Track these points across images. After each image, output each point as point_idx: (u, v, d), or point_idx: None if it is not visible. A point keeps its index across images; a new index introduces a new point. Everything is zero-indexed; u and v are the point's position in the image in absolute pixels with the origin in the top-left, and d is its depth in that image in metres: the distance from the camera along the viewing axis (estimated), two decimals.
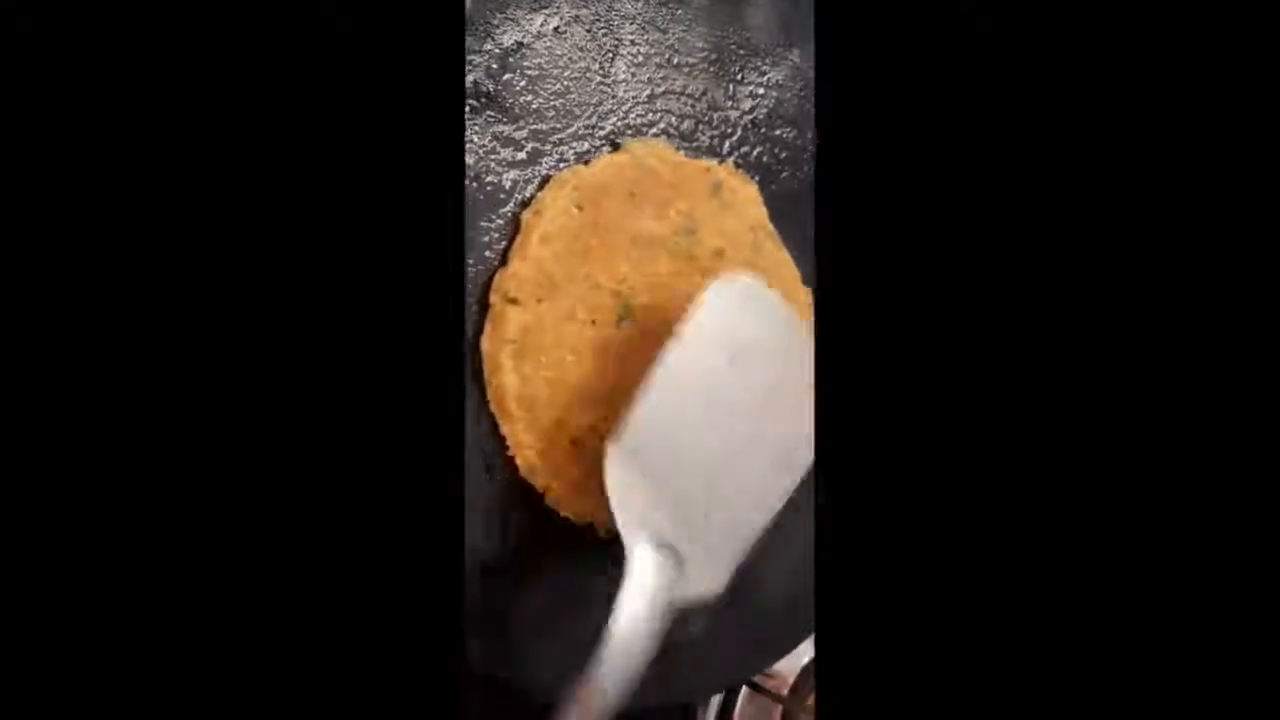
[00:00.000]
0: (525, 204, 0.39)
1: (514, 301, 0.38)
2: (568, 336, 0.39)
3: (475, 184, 0.38)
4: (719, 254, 0.42)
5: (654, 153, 0.41)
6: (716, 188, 0.42)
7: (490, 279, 0.38)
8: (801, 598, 0.46)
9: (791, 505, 0.44)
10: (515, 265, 0.38)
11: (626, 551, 0.35)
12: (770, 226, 0.44)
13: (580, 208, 0.39)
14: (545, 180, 0.39)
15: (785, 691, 0.51)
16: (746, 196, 0.43)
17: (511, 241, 0.39)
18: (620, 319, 0.40)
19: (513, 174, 0.39)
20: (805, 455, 0.38)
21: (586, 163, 0.40)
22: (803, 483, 0.42)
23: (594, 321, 0.39)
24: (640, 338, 0.40)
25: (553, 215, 0.38)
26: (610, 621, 0.33)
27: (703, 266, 0.41)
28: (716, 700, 0.51)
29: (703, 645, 0.44)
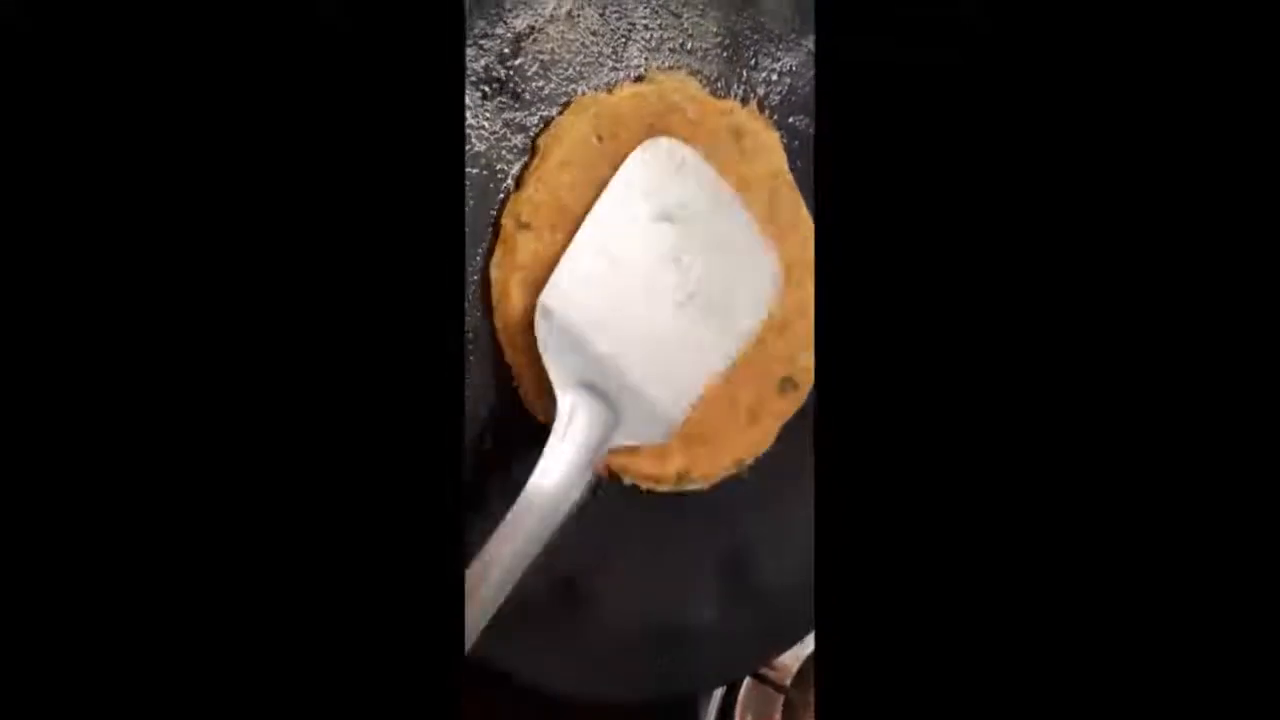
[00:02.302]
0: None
1: (526, 226, 0.37)
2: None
3: (486, 171, 0.37)
4: None
5: (678, 88, 0.40)
6: (738, 132, 0.41)
7: (503, 203, 0.38)
8: (807, 588, 0.46)
9: (795, 495, 0.44)
10: (530, 189, 0.37)
11: (558, 399, 0.35)
12: (789, 175, 0.42)
13: (600, 137, 0.38)
14: (566, 104, 0.38)
15: (788, 682, 0.50)
16: (767, 143, 0.42)
17: (527, 166, 0.38)
18: None
19: (524, 161, 0.38)
20: (751, 314, 0.39)
21: (610, 90, 0.39)
22: (806, 473, 0.42)
23: None
24: None
25: (572, 142, 0.37)
26: (539, 464, 0.34)
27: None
28: (719, 690, 0.51)
29: (709, 636, 0.44)
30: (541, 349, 0.35)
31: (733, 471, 0.43)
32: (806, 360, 0.43)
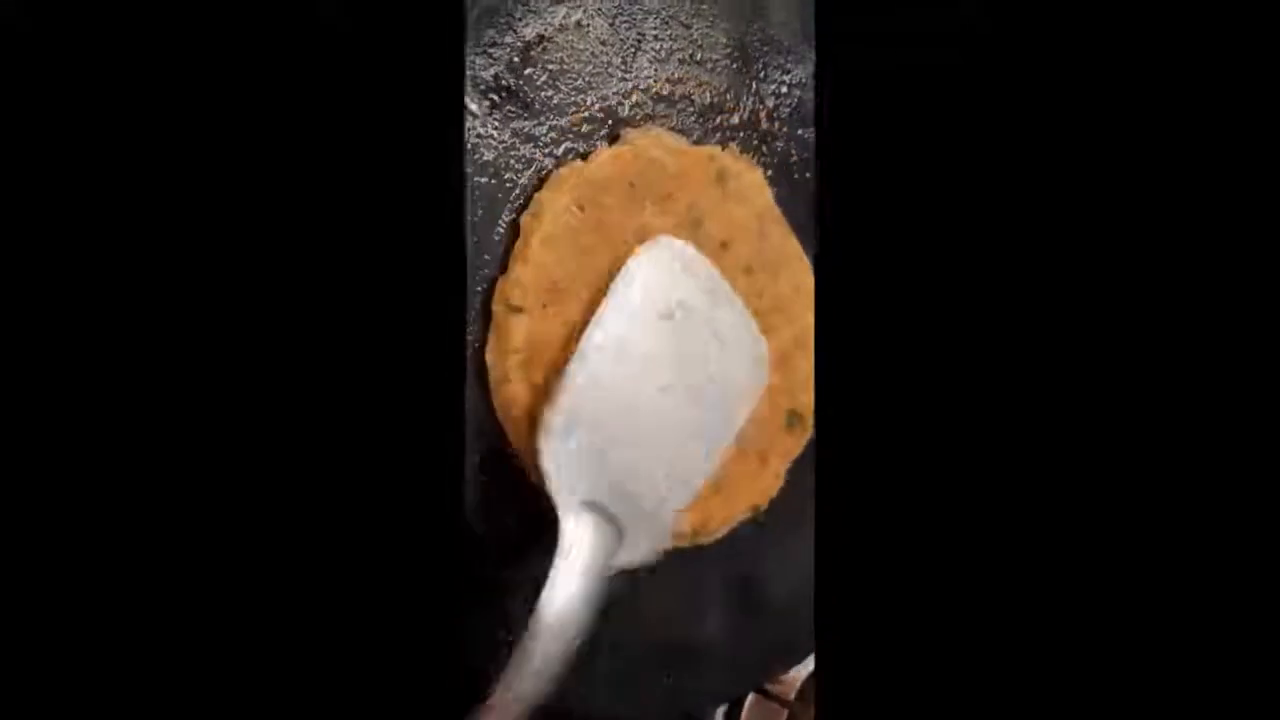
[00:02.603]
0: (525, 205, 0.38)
1: (518, 309, 0.37)
2: (574, 340, 0.38)
3: (494, 180, 0.37)
4: (725, 245, 0.40)
5: (656, 143, 0.39)
6: (721, 176, 0.40)
7: (491, 287, 0.37)
8: (811, 604, 0.46)
9: (804, 510, 0.44)
10: (517, 271, 0.37)
11: (560, 521, 0.34)
12: (777, 211, 0.42)
13: (581, 207, 0.37)
14: (543, 180, 0.38)
15: (792, 696, 0.50)
16: (751, 182, 0.42)
17: (511, 247, 0.37)
18: None
19: (531, 171, 0.37)
20: (747, 401, 0.39)
21: (585, 158, 0.38)
22: (809, 492, 0.42)
23: None
24: None
25: (553, 216, 0.37)
26: (544, 593, 0.33)
27: (709, 259, 0.40)
28: (723, 706, 0.50)
29: (714, 652, 0.44)
30: (545, 471, 0.35)
31: (748, 517, 0.43)
32: (809, 395, 0.43)
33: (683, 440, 0.37)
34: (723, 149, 0.41)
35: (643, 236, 0.39)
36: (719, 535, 0.42)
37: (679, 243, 0.38)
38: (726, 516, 0.42)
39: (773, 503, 0.42)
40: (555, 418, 0.35)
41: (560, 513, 0.34)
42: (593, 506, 0.35)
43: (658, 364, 0.37)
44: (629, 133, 0.39)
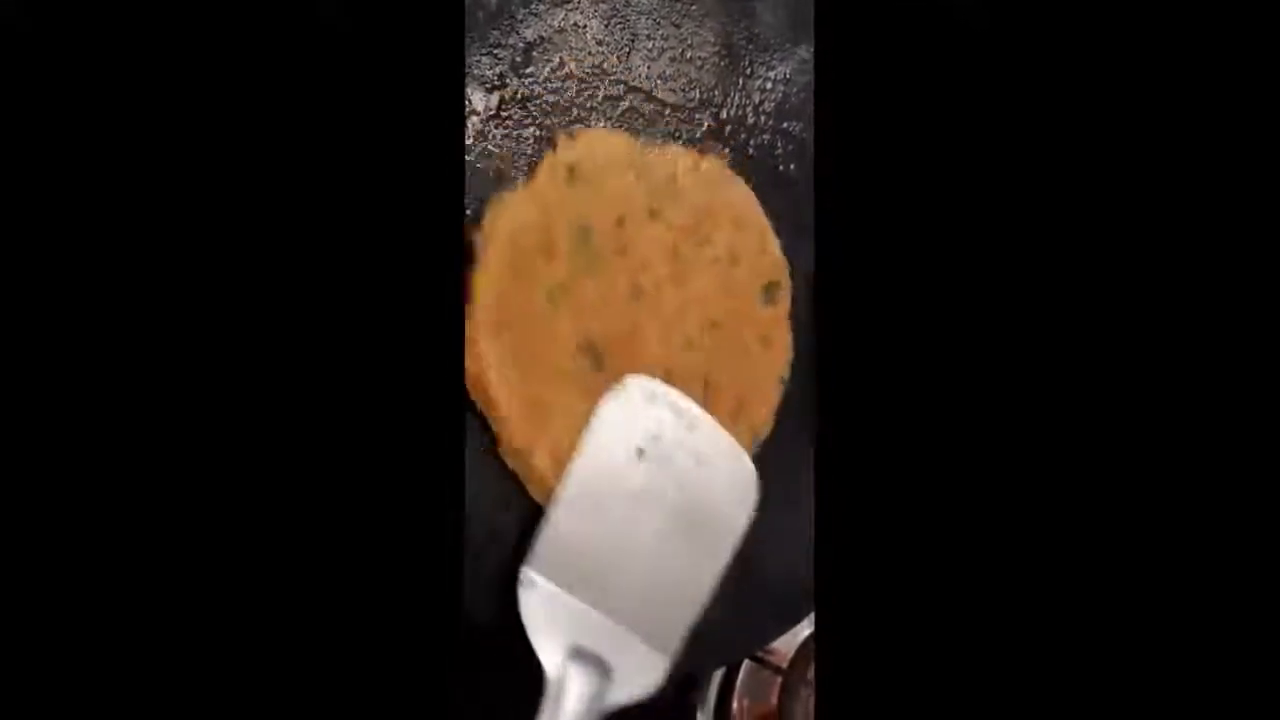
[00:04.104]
0: None
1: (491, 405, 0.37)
2: (565, 401, 0.38)
3: (496, 175, 0.39)
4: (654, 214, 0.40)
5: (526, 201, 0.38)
6: (570, 172, 0.39)
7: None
8: (805, 571, 0.48)
9: (795, 484, 0.45)
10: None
11: (545, 673, 0.35)
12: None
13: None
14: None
15: (785, 665, 0.52)
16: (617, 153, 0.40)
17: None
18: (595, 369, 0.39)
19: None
20: (735, 524, 0.39)
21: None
22: (805, 461, 0.44)
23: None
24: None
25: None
26: None
27: (634, 265, 0.40)
28: (719, 673, 0.52)
29: (709, 618, 0.46)
30: (525, 622, 0.35)
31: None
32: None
33: (666, 573, 0.38)
34: (569, 137, 0.39)
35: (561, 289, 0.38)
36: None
37: (645, 379, 0.38)
38: None
39: (766, 459, 0.44)
40: (530, 571, 0.36)
41: (543, 662, 0.35)
42: (578, 653, 0.36)
43: (638, 501, 0.37)
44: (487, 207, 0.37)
